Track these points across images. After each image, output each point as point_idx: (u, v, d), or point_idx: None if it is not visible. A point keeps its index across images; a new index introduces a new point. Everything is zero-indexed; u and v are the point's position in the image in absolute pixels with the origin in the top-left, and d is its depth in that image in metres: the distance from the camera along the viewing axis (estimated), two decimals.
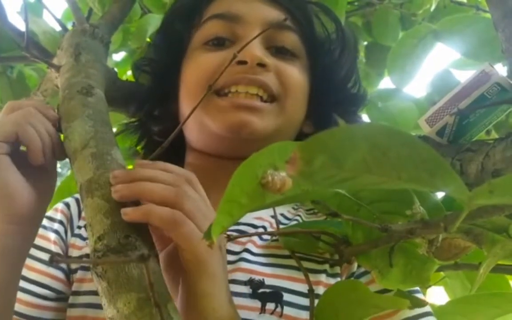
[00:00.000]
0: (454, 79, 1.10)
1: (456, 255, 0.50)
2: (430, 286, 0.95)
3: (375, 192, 0.48)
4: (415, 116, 0.97)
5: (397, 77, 1.08)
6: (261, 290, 0.56)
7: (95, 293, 0.57)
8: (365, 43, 1.36)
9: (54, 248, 0.63)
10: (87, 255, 0.61)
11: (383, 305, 0.41)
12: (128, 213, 0.44)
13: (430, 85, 1.14)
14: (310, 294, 0.48)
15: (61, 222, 0.66)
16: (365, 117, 1.08)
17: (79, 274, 0.61)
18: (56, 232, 0.64)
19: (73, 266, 0.62)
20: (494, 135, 1.02)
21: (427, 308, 0.56)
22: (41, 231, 0.64)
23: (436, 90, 1.11)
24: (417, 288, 0.59)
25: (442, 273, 0.91)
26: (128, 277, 0.42)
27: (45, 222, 0.66)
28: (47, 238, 0.64)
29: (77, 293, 0.59)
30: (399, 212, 0.49)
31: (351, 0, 1.27)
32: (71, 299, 0.59)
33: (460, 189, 0.27)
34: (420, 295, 0.59)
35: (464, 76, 1.12)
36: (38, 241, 0.63)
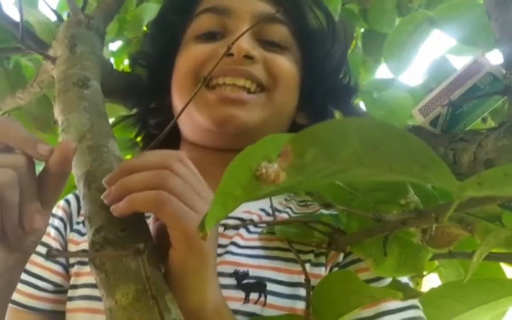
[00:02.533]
0: (450, 66, 1.10)
1: (449, 242, 0.50)
2: (424, 275, 0.96)
3: (369, 181, 0.49)
4: (410, 105, 0.97)
5: (393, 64, 1.07)
6: (245, 281, 0.56)
7: (90, 285, 0.58)
8: (362, 30, 1.36)
9: (53, 243, 0.65)
10: (84, 250, 0.62)
11: (378, 295, 0.42)
12: (116, 209, 0.44)
13: (426, 72, 1.14)
14: (306, 284, 0.49)
15: (61, 219, 0.67)
16: (362, 106, 1.08)
17: (76, 268, 0.62)
18: (56, 228, 0.66)
19: (71, 260, 0.63)
20: (491, 122, 1.02)
21: (412, 301, 0.57)
22: None
23: (432, 77, 1.12)
24: (406, 278, 0.60)
25: (436, 262, 0.92)
26: (126, 269, 0.42)
27: None
28: (48, 233, 0.65)
29: (74, 287, 0.61)
30: (393, 201, 0.49)
31: None
32: (70, 293, 0.61)
33: (450, 181, 0.27)
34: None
35: (461, 62, 1.12)
36: None
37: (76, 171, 0.52)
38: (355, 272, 0.59)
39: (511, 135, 0.39)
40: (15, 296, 0.61)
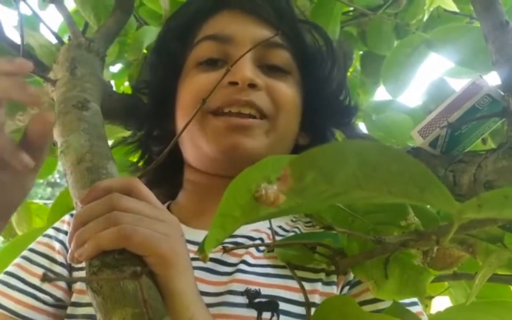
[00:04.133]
0: (449, 87, 1.11)
1: (451, 264, 0.50)
2: (434, 296, 0.95)
3: (369, 203, 0.48)
4: (410, 126, 0.97)
5: (392, 86, 1.08)
6: (257, 300, 0.56)
7: None
8: (361, 52, 1.37)
9: (58, 257, 0.64)
10: (80, 277, 0.62)
11: None
12: (83, 253, 0.44)
13: (425, 93, 1.14)
14: (307, 309, 0.48)
15: (66, 233, 0.66)
16: (362, 127, 1.08)
17: (79, 285, 0.61)
18: (61, 242, 0.65)
19: (74, 275, 0.62)
20: (491, 143, 1.02)
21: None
22: (45, 239, 0.65)
23: (431, 98, 1.12)
24: (415, 299, 0.59)
25: (446, 284, 0.91)
26: (123, 292, 0.42)
27: (51, 231, 0.67)
28: (52, 246, 0.64)
29: (77, 304, 0.59)
30: (394, 223, 0.49)
31: (346, 10, 1.28)
32: (70, 310, 0.59)
33: (449, 203, 0.27)
34: (417, 307, 0.59)
35: (459, 84, 1.13)
36: (41, 248, 0.64)
37: (74, 193, 0.52)
38: (353, 297, 0.59)
39: (510, 157, 0.39)
40: (11, 305, 0.60)
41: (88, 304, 0.58)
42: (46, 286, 0.62)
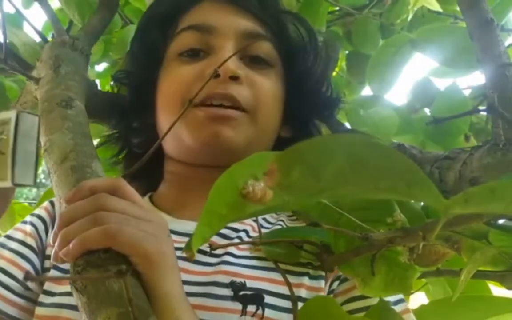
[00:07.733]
0: (433, 87, 1.12)
1: (436, 261, 0.50)
2: (412, 292, 0.96)
3: (356, 200, 0.49)
4: (396, 123, 0.98)
5: (377, 85, 1.08)
6: (242, 293, 0.55)
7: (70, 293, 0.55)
8: (346, 52, 1.38)
9: (29, 240, 0.62)
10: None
11: None
12: (68, 253, 0.44)
13: (410, 93, 1.15)
14: (294, 305, 0.48)
15: (41, 219, 0.65)
16: (347, 125, 1.08)
17: (52, 273, 0.59)
18: (33, 225, 0.64)
19: (47, 264, 0.61)
20: (474, 141, 1.03)
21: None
22: (19, 224, 0.64)
23: (416, 97, 1.13)
24: (401, 296, 0.59)
25: (424, 280, 0.92)
26: (108, 292, 0.41)
27: (27, 217, 0.66)
28: (23, 230, 0.63)
29: (49, 293, 0.57)
30: (380, 220, 0.49)
31: (332, 9, 1.29)
32: (41, 297, 0.57)
33: (436, 199, 0.27)
34: (404, 304, 0.59)
35: (443, 83, 1.14)
36: (12, 233, 0.63)
37: (58, 192, 0.51)
38: (343, 293, 0.59)
39: (496, 153, 0.40)
40: None
41: (62, 294, 0.56)
42: (12, 269, 0.59)
